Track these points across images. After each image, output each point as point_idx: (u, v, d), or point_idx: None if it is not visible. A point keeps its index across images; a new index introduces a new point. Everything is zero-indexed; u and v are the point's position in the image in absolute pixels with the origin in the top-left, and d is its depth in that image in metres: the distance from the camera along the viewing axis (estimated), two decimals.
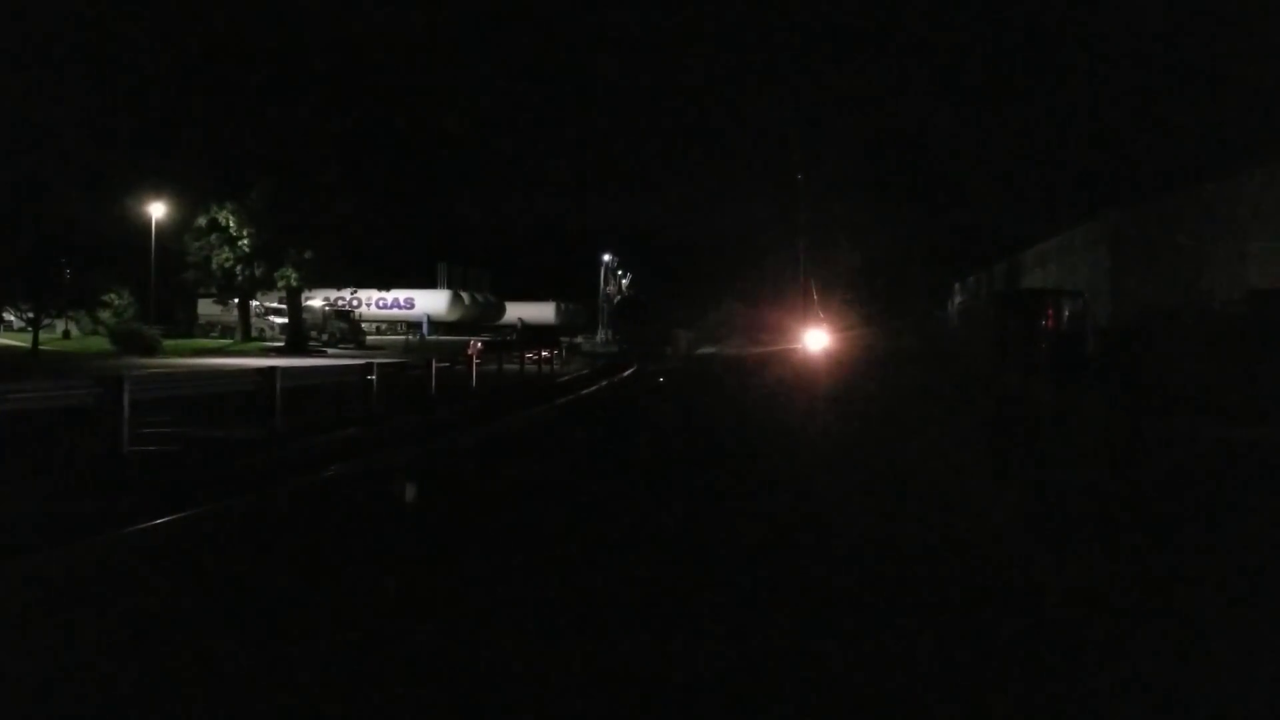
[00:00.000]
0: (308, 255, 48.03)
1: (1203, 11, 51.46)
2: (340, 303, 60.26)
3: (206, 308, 61.46)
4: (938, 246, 53.43)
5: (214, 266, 48.86)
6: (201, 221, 48.34)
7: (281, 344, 51.24)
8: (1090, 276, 34.41)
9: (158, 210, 47.83)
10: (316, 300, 59.20)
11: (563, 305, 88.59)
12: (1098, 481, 12.45)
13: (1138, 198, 35.38)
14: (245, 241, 47.95)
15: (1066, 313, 30.04)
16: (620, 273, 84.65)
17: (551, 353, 43.53)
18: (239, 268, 48.64)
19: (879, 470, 13.16)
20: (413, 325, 72.75)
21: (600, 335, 75.58)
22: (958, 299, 54.74)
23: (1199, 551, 8.75)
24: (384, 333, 72.62)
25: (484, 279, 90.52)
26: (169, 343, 46.82)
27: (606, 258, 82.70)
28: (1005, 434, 17.38)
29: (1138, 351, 26.85)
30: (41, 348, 42.94)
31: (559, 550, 8.54)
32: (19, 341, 44.62)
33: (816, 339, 41.26)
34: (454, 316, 76.35)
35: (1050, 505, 10.68)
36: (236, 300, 55.69)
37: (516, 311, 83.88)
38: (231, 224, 47.79)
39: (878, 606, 6.92)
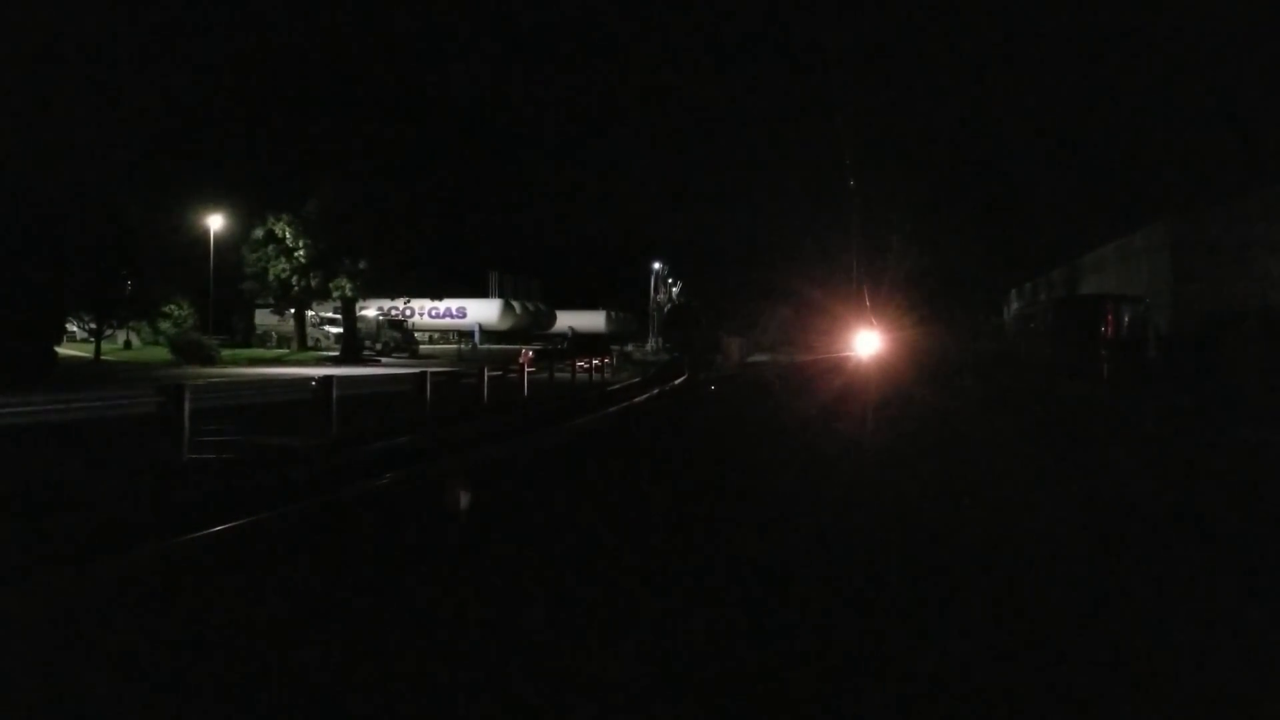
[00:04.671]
0: (362, 266, 48.56)
1: (1267, 14, 50.35)
2: (394, 312, 60.74)
3: (264, 318, 62.37)
4: (995, 251, 52.73)
5: (271, 277, 49.52)
6: (259, 233, 49.04)
7: (336, 353, 51.78)
8: (1151, 282, 33.75)
9: (216, 222, 48.63)
10: (371, 310, 59.79)
11: (613, 314, 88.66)
12: (1162, 495, 12.15)
13: (1200, 202, 34.63)
14: (301, 252, 48.56)
15: (1126, 319, 29.49)
16: (670, 281, 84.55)
17: (603, 361, 43.50)
18: (295, 278, 49.26)
19: (940, 484, 12.96)
20: (465, 334, 73.22)
21: (651, 343, 75.51)
22: (1015, 305, 53.99)
23: (1263, 567, 8.48)
24: (436, 341, 73.14)
25: (535, 288, 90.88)
26: (227, 352, 47.49)
27: (657, 266, 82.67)
28: (1072, 447, 17.02)
29: (1201, 358, 26.26)
30: (103, 358, 43.78)
31: (608, 561, 8.50)
32: (82, 352, 45.52)
33: (871, 347, 40.80)
34: (505, 325, 76.72)
35: (1121, 520, 10.45)
36: (293, 310, 56.42)
37: (567, 320, 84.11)
38: (288, 235, 48.44)
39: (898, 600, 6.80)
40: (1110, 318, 29.23)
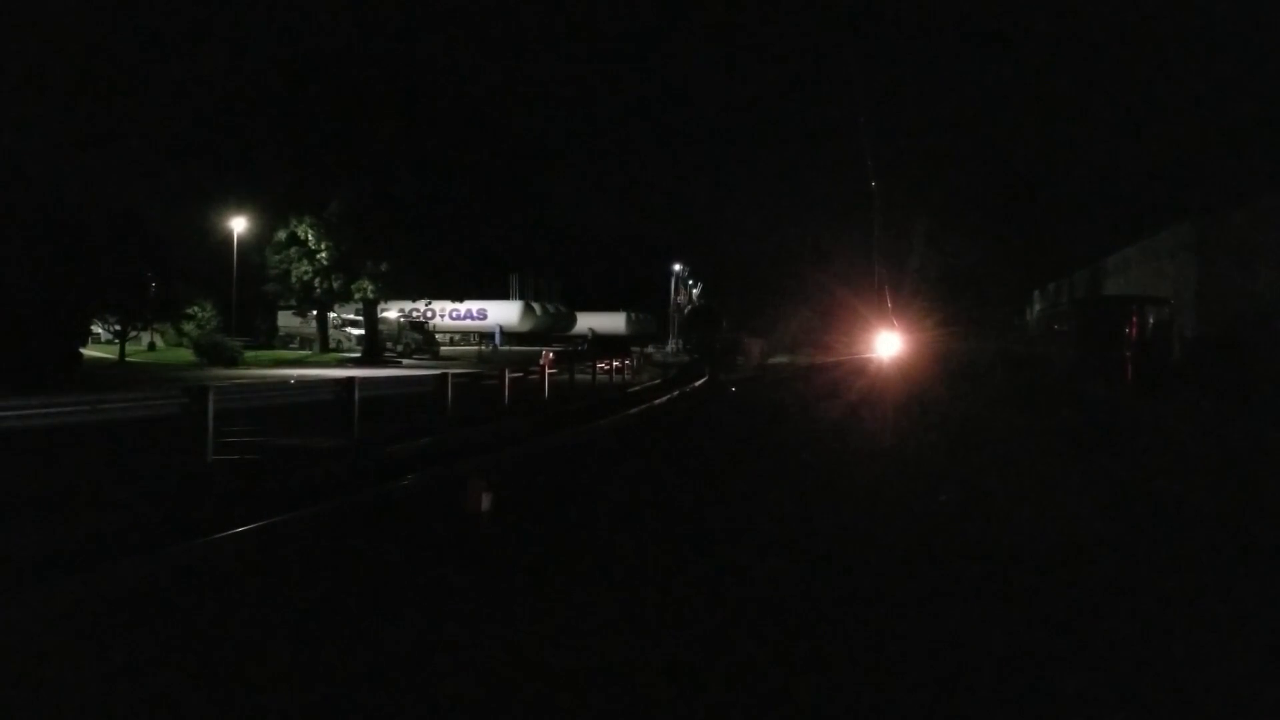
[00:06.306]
0: (384, 268, 48.76)
1: None
2: (415, 314, 61.01)
3: (286, 320, 62.74)
4: (1017, 252, 52.39)
5: (293, 279, 49.79)
6: (281, 235, 49.31)
7: (358, 355, 52.07)
8: (1175, 283, 33.42)
9: (239, 225, 48.95)
10: (392, 312, 60.06)
11: (633, 315, 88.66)
12: (1189, 495, 12.05)
13: (1225, 201, 34.25)
14: (323, 255, 48.80)
15: (1150, 320, 29.18)
16: (691, 282, 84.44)
17: (623, 362, 43.47)
18: (317, 280, 49.51)
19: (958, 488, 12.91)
20: (485, 336, 73.44)
21: (671, 345, 75.51)
22: (1038, 306, 53.64)
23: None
24: (457, 343, 73.40)
25: (555, 289, 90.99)
26: (250, 354, 47.81)
27: (677, 267, 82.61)
28: (1097, 452, 16.88)
29: (1227, 360, 26.01)
30: (128, 359, 44.16)
31: (627, 577, 8.51)
32: (107, 353, 45.92)
33: (891, 348, 40.58)
34: (526, 327, 76.89)
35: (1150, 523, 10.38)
36: (315, 312, 56.72)
37: (587, 321, 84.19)
38: (310, 238, 48.67)
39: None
40: (1134, 319, 28.90)
